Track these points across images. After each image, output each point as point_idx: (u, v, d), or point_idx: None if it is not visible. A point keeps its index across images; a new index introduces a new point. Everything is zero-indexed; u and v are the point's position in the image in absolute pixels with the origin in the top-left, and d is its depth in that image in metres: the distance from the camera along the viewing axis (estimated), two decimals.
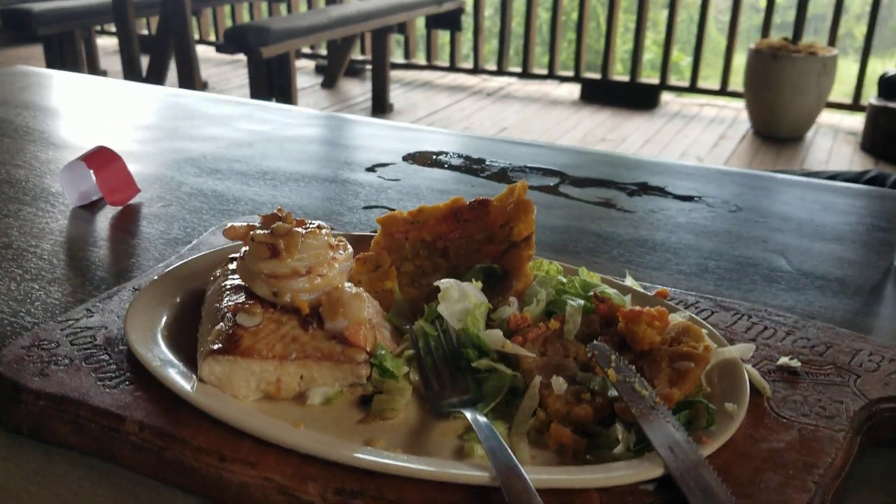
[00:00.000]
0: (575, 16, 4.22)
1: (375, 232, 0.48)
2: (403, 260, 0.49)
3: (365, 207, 0.67)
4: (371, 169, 0.76)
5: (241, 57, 3.08)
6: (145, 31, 4.57)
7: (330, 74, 4.19)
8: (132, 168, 0.72)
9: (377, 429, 0.36)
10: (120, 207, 0.65)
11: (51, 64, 3.42)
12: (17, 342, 0.41)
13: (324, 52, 4.27)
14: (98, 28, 4.25)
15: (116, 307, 0.45)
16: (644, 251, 0.58)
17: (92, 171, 0.64)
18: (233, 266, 0.44)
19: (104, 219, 0.63)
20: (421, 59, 4.48)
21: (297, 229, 0.42)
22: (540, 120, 3.63)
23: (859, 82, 3.54)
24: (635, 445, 0.33)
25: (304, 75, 4.34)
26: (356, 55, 4.35)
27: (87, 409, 0.36)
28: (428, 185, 0.72)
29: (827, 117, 3.56)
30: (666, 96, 3.93)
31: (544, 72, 4.14)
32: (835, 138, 3.36)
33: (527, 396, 0.37)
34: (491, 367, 0.38)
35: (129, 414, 0.35)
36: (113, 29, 3.28)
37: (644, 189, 0.71)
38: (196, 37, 3.95)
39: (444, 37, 4.54)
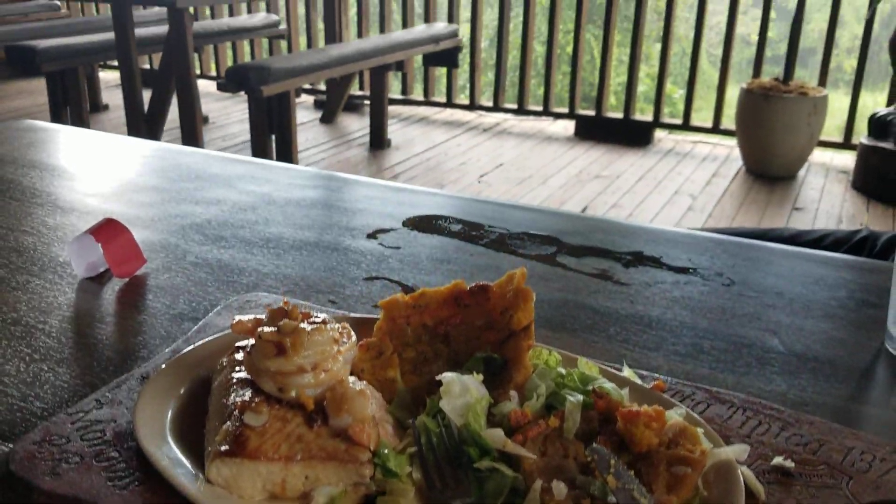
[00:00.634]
0: (570, 49, 4.29)
1: (377, 306, 0.48)
2: (405, 345, 0.50)
3: (366, 279, 0.68)
4: (372, 235, 0.77)
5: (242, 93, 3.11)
6: (147, 66, 4.61)
7: (329, 110, 4.23)
8: (139, 235, 0.74)
9: None
10: (126, 279, 0.66)
11: (53, 99, 3.45)
12: (28, 437, 0.42)
13: (323, 87, 4.31)
14: (101, 62, 4.28)
15: (125, 397, 0.46)
16: (640, 329, 0.60)
17: (100, 245, 0.65)
18: (238, 356, 0.45)
19: (111, 291, 0.64)
20: (418, 95, 4.53)
21: (303, 326, 0.43)
22: (535, 156, 3.67)
23: (850, 120, 3.58)
24: None
25: (303, 110, 4.38)
26: (355, 90, 4.39)
27: None
28: (428, 253, 0.73)
29: (818, 155, 3.60)
30: (659, 133, 3.98)
31: (539, 108, 4.18)
32: (826, 177, 3.40)
33: (528, 500, 0.38)
34: (492, 468, 0.39)
35: None
36: (116, 62, 3.32)
37: (639, 259, 0.73)
38: (197, 71, 3.99)
39: (441, 73, 4.60)
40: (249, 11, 4.31)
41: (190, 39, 3.09)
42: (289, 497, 0.39)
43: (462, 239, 0.77)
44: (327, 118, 4.22)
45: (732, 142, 3.78)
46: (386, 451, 0.41)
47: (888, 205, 3.04)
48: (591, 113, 3.97)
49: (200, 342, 0.50)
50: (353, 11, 4.51)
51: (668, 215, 2.93)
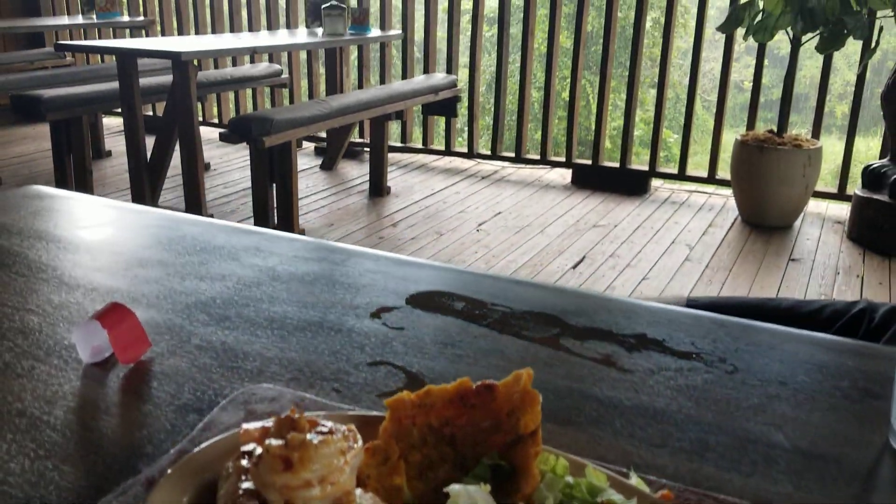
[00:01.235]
0: (565, 95, 4.35)
1: (381, 396, 0.48)
2: (411, 448, 0.50)
3: (370, 364, 0.68)
4: (376, 314, 0.78)
5: None
6: (150, 112, 4.66)
7: (329, 157, 4.27)
8: (144, 315, 0.74)
9: None
10: (132, 365, 0.66)
11: (57, 146, 3.48)
12: None
13: (323, 134, 4.35)
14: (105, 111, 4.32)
15: None
16: (645, 422, 0.60)
17: (106, 330, 0.65)
18: (244, 462, 0.45)
19: (116, 378, 0.65)
20: (417, 142, 4.57)
21: (310, 438, 0.43)
22: (533, 204, 3.69)
23: (844, 170, 3.62)
24: None
25: (304, 157, 4.42)
26: (354, 137, 4.44)
27: None
28: (432, 335, 0.74)
29: (813, 205, 3.63)
30: (656, 182, 4.01)
31: (537, 156, 4.23)
32: (822, 227, 3.43)
33: None
34: None
35: None
36: (119, 108, 3.37)
37: (643, 343, 0.73)
38: (200, 118, 4.03)
39: (440, 120, 4.65)
40: (252, 61, 4.37)
41: (194, 90, 3.13)
42: None
43: (465, 318, 0.77)
44: (327, 165, 4.26)
45: (728, 191, 3.81)
46: None
47: (884, 256, 3.06)
48: (588, 162, 4.01)
49: (206, 444, 0.50)
50: (353, 56, 4.57)
51: (666, 265, 2.94)
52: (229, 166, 4.25)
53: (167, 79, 3.64)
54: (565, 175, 4.16)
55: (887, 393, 0.64)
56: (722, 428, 0.59)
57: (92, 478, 0.51)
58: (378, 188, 3.81)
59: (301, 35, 3.94)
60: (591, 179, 3.96)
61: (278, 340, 0.71)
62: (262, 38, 3.73)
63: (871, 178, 3.22)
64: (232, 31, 4.76)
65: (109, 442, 0.55)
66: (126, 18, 4.55)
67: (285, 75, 4.42)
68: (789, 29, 3.12)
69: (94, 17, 4.39)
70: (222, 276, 0.86)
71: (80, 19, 4.47)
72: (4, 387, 0.62)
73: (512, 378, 0.51)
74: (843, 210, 3.62)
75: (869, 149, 13.54)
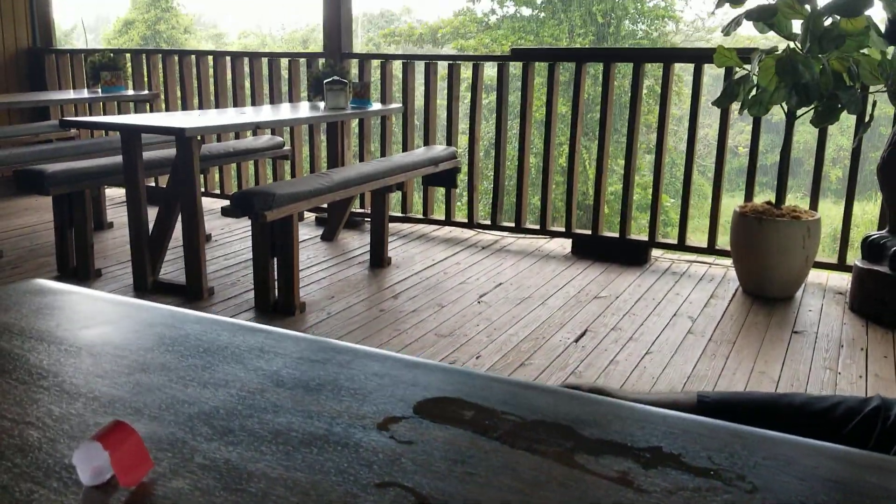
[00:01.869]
0: (563, 161, 4.41)
1: None
2: None
3: (378, 485, 0.66)
4: (384, 426, 0.76)
5: None
6: (153, 183, 4.69)
7: (330, 227, 4.28)
8: (146, 428, 0.72)
9: None
10: (133, 487, 0.64)
11: (59, 219, 3.49)
12: None
13: (324, 204, 4.37)
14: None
15: None
16: None
17: (107, 452, 0.64)
18: None
19: (116, 503, 0.63)
20: (418, 212, 4.60)
21: None
22: (534, 275, 3.69)
23: (843, 241, 3.63)
24: None
25: (305, 227, 4.44)
26: (355, 207, 4.47)
27: None
28: (441, 451, 0.72)
29: (813, 275, 3.63)
30: (655, 252, 4.02)
31: (537, 226, 4.25)
32: (823, 298, 3.42)
33: None
34: None
35: None
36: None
37: (659, 458, 0.71)
38: (202, 189, 4.06)
39: (440, 190, 4.68)
40: (255, 134, 4.43)
41: (197, 165, 3.16)
42: None
43: (476, 430, 0.76)
44: (328, 236, 4.27)
45: (728, 261, 3.82)
46: None
47: (887, 329, 3.04)
48: (588, 232, 4.03)
49: None
50: (354, 125, 4.64)
51: (669, 339, 2.92)
52: (231, 237, 4.27)
53: (170, 152, 3.68)
54: (565, 245, 4.17)
55: None
56: None
57: None
58: (379, 259, 3.81)
59: (303, 109, 4.00)
60: (591, 249, 3.97)
61: (283, 458, 0.70)
62: (265, 113, 3.78)
63: (871, 249, 3.22)
64: (235, 104, 4.84)
65: None
66: (131, 92, 4.63)
67: (287, 147, 4.47)
68: (784, 103, 3.17)
69: (100, 91, 4.46)
70: (226, 381, 0.85)
71: (85, 93, 4.55)
72: None
73: None
74: (843, 280, 3.62)
75: (865, 213, 13.69)
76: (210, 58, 4.96)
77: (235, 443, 0.72)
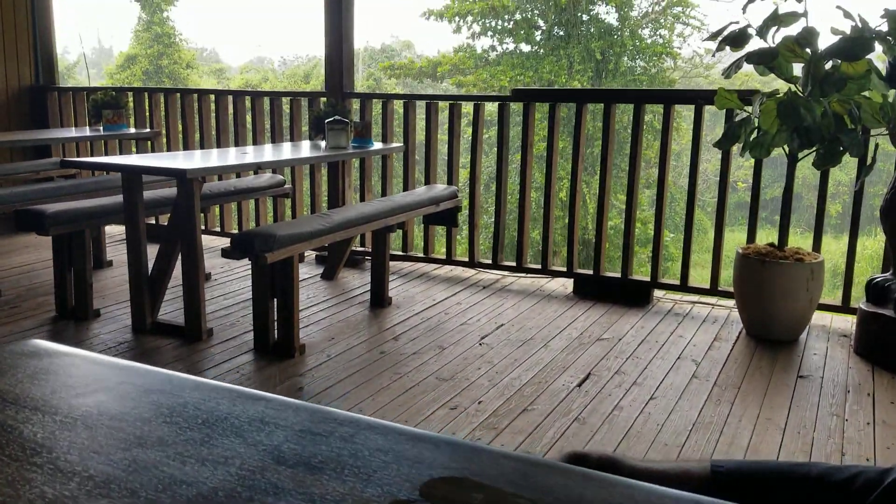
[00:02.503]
0: (563, 195, 4.41)
1: None
2: None
3: None
4: None
5: None
6: (153, 221, 4.68)
7: (330, 266, 4.27)
8: None
9: None
10: None
11: (58, 259, 3.48)
12: None
13: (325, 244, 4.36)
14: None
15: None
16: None
17: None
18: None
19: None
20: (418, 251, 4.59)
21: None
22: (536, 316, 3.66)
23: (847, 281, 3.61)
24: None
25: (305, 265, 4.43)
26: (356, 245, 4.45)
27: None
28: None
29: (817, 317, 3.60)
30: (658, 292, 4.00)
31: (538, 266, 4.23)
32: (828, 341, 3.39)
33: None
34: None
35: None
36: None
37: None
38: (202, 226, 4.06)
39: (441, 229, 4.67)
40: (256, 173, 4.43)
41: (198, 206, 3.16)
42: None
43: None
44: (328, 274, 4.26)
45: (730, 302, 3.80)
46: None
47: (894, 373, 3.01)
48: (590, 272, 4.01)
49: None
50: (356, 160, 4.64)
51: (674, 383, 2.88)
52: (230, 275, 4.25)
53: (171, 191, 3.68)
54: (567, 284, 4.15)
55: None
56: None
57: None
58: (379, 299, 3.79)
59: (305, 148, 4.01)
60: (592, 289, 3.95)
61: None
62: (267, 153, 3.79)
63: (875, 292, 3.21)
64: (237, 142, 4.85)
65: None
66: (132, 130, 4.64)
67: (288, 185, 4.48)
68: (786, 146, 3.18)
69: (102, 129, 4.47)
70: (225, 458, 0.82)
71: (87, 131, 4.56)
72: None
73: None
74: (847, 322, 3.59)
75: (864, 248, 13.70)
76: (212, 96, 4.99)
77: None
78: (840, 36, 3.07)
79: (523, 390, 2.79)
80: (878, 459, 2.37)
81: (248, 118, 4.91)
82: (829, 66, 3.09)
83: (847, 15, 3.06)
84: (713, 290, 3.77)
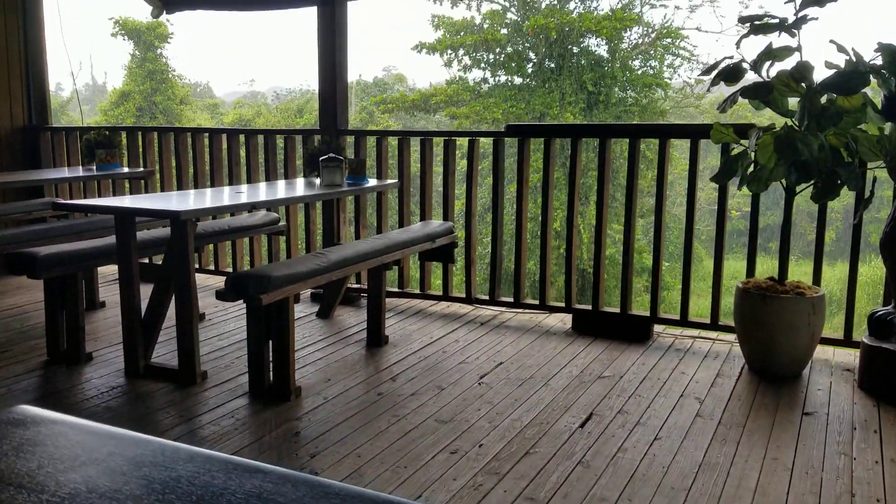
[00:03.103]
0: (557, 225, 4.38)
1: None
2: None
3: None
4: None
5: None
6: (146, 260, 4.63)
7: (326, 304, 4.22)
8: None
9: None
10: None
11: (50, 302, 3.43)
12: None
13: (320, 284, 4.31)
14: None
15: None
16: None
17: None
18: None
19: None
20: (415, 287, 4.55)
21: None
22: (535, 353, 3.62)
23: (848, 317, 3.58)
24: None
25: (300, 304, 4.38)
26: (351, 282, 4.41)
27: None
28: None
29: (820, 350, 3.57)
30: (658, 327, 3.96)
31: (536, 301, 4.19)
32: (832, 376, 3.35)
33: None
34: None
35: None
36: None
37: None
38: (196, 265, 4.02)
39: (437, 265, 4.63)
40: (250, 211, 4.40)
41: (192, 247, 3.12)
42: None
43: None
44: (324, 313, 4.21)
45: (731, 336, 3.76)
46: None
47: None
48: (588, 307, 3.97)
49: None
50: (350, 199, 4.62)
51: (678, 422, 2.83)
52: (225, 315, 4.19)
53: (165, 231, 3.64)
54: (565, 320, 4.11)
55: None
56: None
57: None
58: (376, 338, 3.74)
59: (299, 186, 3.99)
60: (591, 325, 3.91)
61: None
62: (261, 191, 3.76)
63: (878, 325, 3.17)
64: (231, 180, 4.83)
65: None
66: (126, 170, 4.62)
67: (283, 223, 4.45)
68: (783, 180, 3.17)
69: (95, 168, 4.45)
70: None
71: (80, 171, 4.53)
72: None
73: None
74: (850, 356, 3.56)
75: (860, 275, 13.71)
76: (206, 135, 4.97)
77: None
78: (835, 70, 3.07)
79: (525, 432, 2.74)
80: (888, 500, 2.32)
81: (242, 153, 4.89)
82: (824, 99, 3.09)
83: (841, 49, 3.07)
84: (714, 325, 3.73)
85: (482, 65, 15.05)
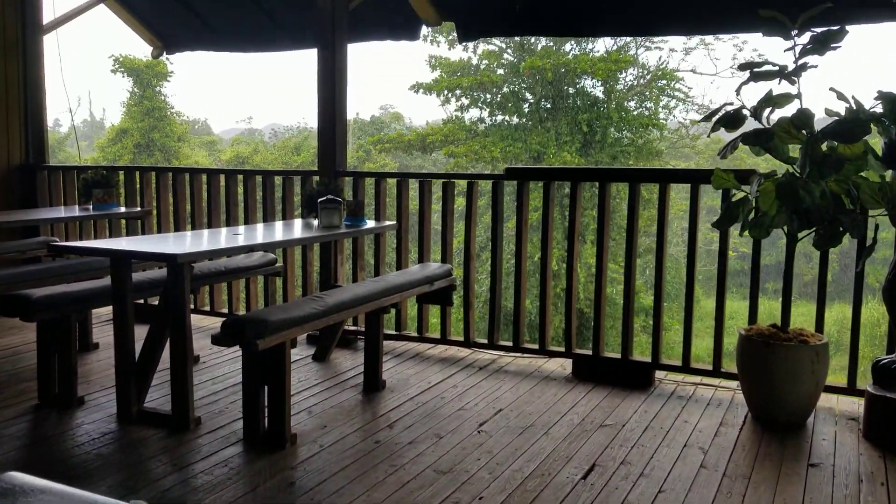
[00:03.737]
0: (554, 265, 4.33)
1: None
2: None
3: None
4: None
5: None
6: (141, 301, 4.58)
7: (322, 347, 4.17)
8: None
9: None
10: None
11: (42, 344, 3.38)
12: None
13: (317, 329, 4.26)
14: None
15: None
16: None
17: None
18: None
19: None
20: (412, 330, 4.50)
21: None
22: (535, 400, 3.56)
23: (852, 366, 3.54)
24: None
25: (296, 346, 4.30)
26: (348, 325, 4.37)
27: None
28: None
29: (824, 398, 3.51)
30: (659, 374, 3.91)
31: (535, 346, 4.15)
32: (836, 425, 3.30)
33: None
34: None
35: None
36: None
37: None
38: (191, 306, 3.97)
39: (434, 309, 4.59)
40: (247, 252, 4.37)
41: (188, 290, 3.08)
42: None
43: None
44: (320, 356, 4.15)
45: (733, 384, 3.71)
46: None
47: None
48: (589, 352, 3.93)
49: None
50: (348, 241, 4.59)
51: (682, 474, 2.77)
52: (219, 357, 4.14)
53: (160, 273, 3.60)
54: (565, 365, 4.06)
55: None
56: None
57: None
58: (373, 382, 3.68)
59: (297, 227, 3.96)
60: (592, 370, 3.86)
61: None
62: (258, 233, 3.73)
63: (882, 374, 3.14)
64: (228, 221, 4.81)
65: None
66: (123, 210, 4.59)
67: (280, 264, 4.41)
68: (785, 226, 3.15)
69: (91, 208, 4.42)
70: None
71: (76, 211, 4.50)
72: None
73: None
74: (854, 404, 3.51)
75: (878, 356, 13.69)
76: (204, 175, 4.96)
77: None
78: (835, 118, 3.08)
79: (526, 484, 2.67)
80: None
81: (240, 191, 4.87)
82: (825, 147, 3.09)
83: (841, 97, 3.08)
84: (716, 372, 3.69)
85: (479, 104, 15.18)
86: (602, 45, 15.18)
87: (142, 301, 4.60)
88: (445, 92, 15.17)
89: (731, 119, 3.23)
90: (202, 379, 3.76)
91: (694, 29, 6.36)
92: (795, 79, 3.18)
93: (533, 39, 14.52)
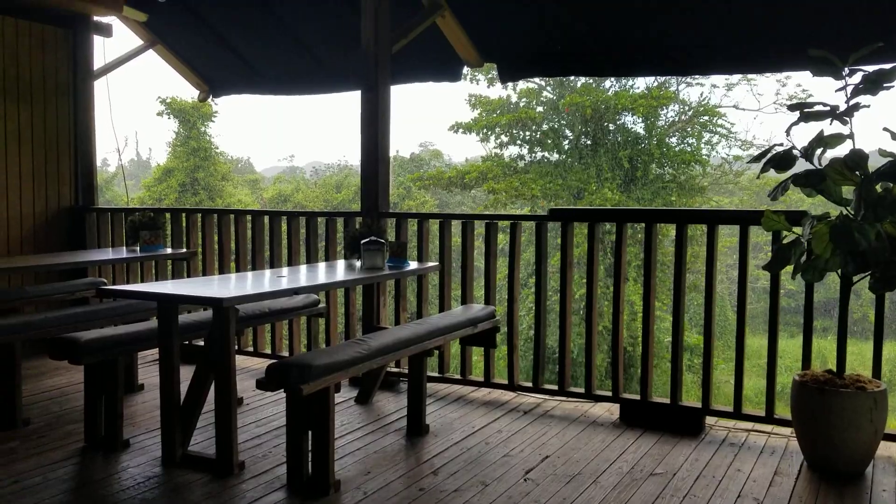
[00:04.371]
0: (596, 305, 4.24)
1: None
2: None
3: None
4: None
5: None
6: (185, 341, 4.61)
7: (365, 389, 4.15)
8: None
9: None
10: None
11: (90, 386, 3.42)
12: None
13: (361, 373, 4.25)
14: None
15: None
16: None
17: None
18: None
19: None
20: (455, 373, 4.46)
21: None
22: (582, 446, 3.48)
23: None
24: None
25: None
26: (390, 366, 4.34)
27: None
28: None
29: (884, 446, 3.38)
30: (710, 419, 3.80)
31: (581, 390, 4.07)
32: None
33: None
34: None
35: None
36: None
37: None
38: (235, 346, 3.99)
39: (478, 351, 4.55)
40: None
41: (233, 333, 3.10)
42: None
43: None
44: (363, 398, 4.13)
45: (787, 430, 3.59)
46: None
47: None
48: (637, 397, 3.84)
49: None
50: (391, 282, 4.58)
51: None
52: (263, 400, 4.14)
53: (206, 315, 3.63)
54: (612, 409, 3.98)
55: None
56: None
57: None
58: (416, 427, 3.64)
59: (340, 268, 3.97)
60: (640, 416, 3.77)
61: None
62: (302, 275, 3.75)
63: None
64: (272, 262, 4.85)
65: None
66: (169, 251, 4.66)
67: (322, 305, 4.42)
68: (839, 269, 3.06)
69: (139, 250, 4.50)
70: None
71: (124, 252, 4.58)
72: None
73: None
74: None
75: None
76: (249, 217, 5.02)
77: None
78: (889, 158, 3.00)
79: None
80: None
81: (284, 233, 4.91)
82: (879, 188, 3.01)
83: (895, 137, 3.00)
84: (769, 418, 3.57)
85: (518, 141, 15.21)
86: (642, 82, 15.14)
87: (186, 342, 4.64)
88: (485, 130, 15.25)
89: (782, 160, 3.17)
90: (246, 421, 3.76)
91: (739, 68, 6.31)
92: (847, 119, 3.12)
93: (573, 77, 14.54)
